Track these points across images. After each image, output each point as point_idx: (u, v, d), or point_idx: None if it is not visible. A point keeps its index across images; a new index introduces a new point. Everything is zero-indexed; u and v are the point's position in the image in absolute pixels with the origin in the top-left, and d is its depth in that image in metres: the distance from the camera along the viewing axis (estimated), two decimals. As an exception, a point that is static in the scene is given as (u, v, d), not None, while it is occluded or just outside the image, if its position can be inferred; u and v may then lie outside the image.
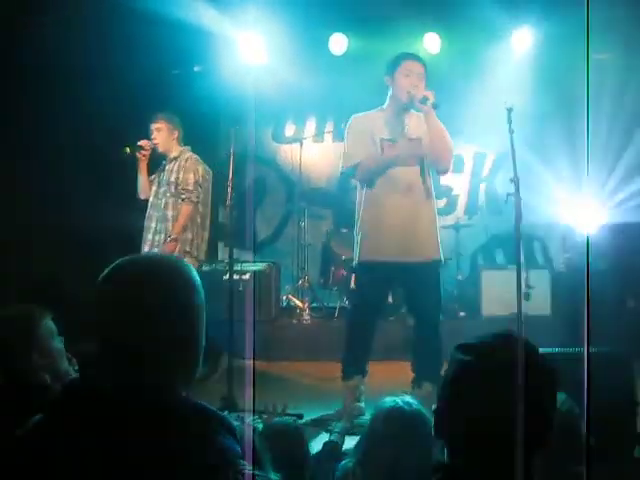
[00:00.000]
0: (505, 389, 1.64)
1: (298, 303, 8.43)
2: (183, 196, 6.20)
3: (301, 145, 9.11)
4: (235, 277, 7.22)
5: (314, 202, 9.37)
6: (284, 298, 8.68)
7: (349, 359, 5.50)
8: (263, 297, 8.12)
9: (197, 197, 6.25)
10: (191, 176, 6.24)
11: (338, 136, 9.90)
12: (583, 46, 8.61)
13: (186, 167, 6.27)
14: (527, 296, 7.39)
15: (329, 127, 9.91)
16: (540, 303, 7.96)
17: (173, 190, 6.27)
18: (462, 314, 8.41)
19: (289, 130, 9.98)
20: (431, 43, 9.15)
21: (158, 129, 6.37)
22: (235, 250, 6.68)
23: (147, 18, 7.11)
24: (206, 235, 6.50)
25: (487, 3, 8.21)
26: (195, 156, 6.41)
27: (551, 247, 9.49)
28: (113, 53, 7.47)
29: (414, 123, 5.34)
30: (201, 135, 8.98)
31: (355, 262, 5.60)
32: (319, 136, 9.89)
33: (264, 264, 8.34)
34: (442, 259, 5.49)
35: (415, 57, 5.35)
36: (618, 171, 8.66)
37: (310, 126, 9.99)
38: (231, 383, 5.41)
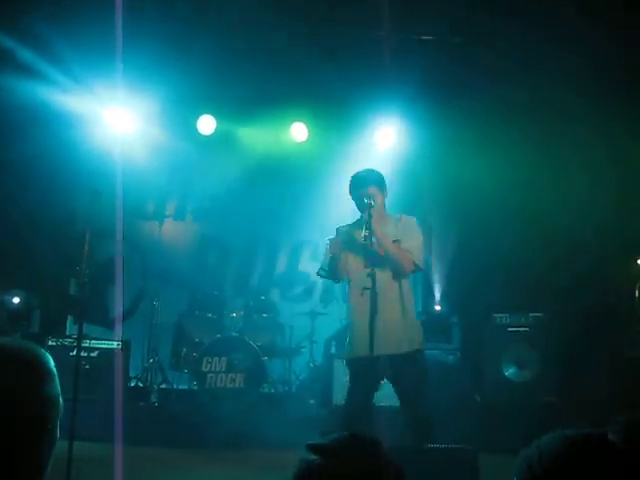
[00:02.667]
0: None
1: (147, 384, 8.17)
2: None
3: (161, 223, 9.01)
4: (83, 354, 6.98)
5: (169, 282, 9.19)
6: (133, 378, 8.38)
7: None
8: (110, 376, 7.80)
9: None
10: None
11: (199, 217, 9.87)
12: (444, 149, 9.12)
13: None
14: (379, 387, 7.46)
15: (190, 207, 9.87)
16: (391, 394, 8.02)
17: None
18: (313, 402, 8.38)
19: (150, 207, 9.81)
20: (298, 132, 9.33)
21: None
22: (85, 326, 6.42)
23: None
24: None
25: (354, 100, 8.52)
26: None
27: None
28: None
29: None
30: (60, 207, 8.81)
31: None
32: (180, 215, 9.81)
33: (114, 342, 8.03)
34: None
35: (364, 182, 5.69)
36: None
37: (172, 204, 9.86)
38: (70, 469, 4.97)
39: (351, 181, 5.78)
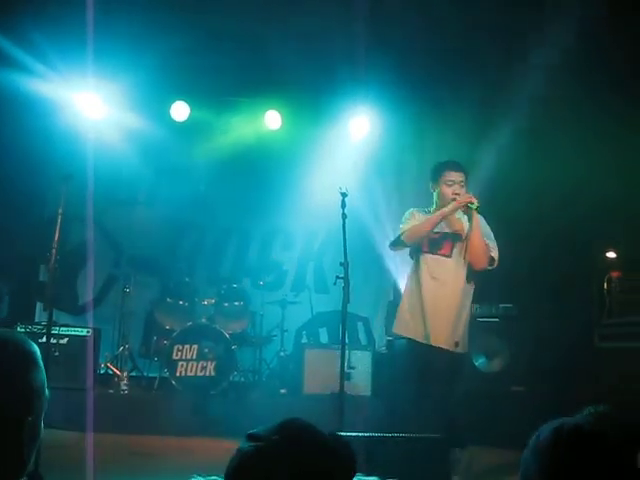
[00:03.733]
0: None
1: (116, 371, 8.13)
2: None
3: (132, 209, 8.98)
4: (52, 341, 6.92)
5: (141, 269, 9.12)
6: (102, 365, 8.33)
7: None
8: (80, 363, 7.75)
9: None
10: None
11: (171, 204, 9.80)
12: (415, 139, 9.10)
13: None
14: (348, 376, 7.47)
15: (162, 193, 9.79)
16: (361, 383, 8.07)
17: None
18: (283, 391, 8.39)
19: (122, 192, 9.67)
20: (272, 120, 9.30)
21: None
22: (54, 312, 6.36)
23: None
24: None
25: (327, 89, 8.50)
26: None
27: (375, 328, 9.70)
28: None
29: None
30: (30, 193, 8.72)
31: None
32: (151, 201, 9.72)
33: (84, 329, 7.97)
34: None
35: (455, 166, 5.68)
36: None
37: (143, 191, 9.76)
38: (39, 457, 4.87)
39: (441, 165, 5.73)
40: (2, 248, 8.24)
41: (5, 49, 7.39)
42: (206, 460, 5.93)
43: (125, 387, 7.87)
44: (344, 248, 5.38)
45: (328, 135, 9.32)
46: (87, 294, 9.30)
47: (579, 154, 7.90)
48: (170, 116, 9.13)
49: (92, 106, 8.62)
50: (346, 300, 5.30)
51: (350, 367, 7.81)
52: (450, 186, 5.57)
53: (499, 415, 7.24)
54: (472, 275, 5.61)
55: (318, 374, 8.06)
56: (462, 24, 7.69)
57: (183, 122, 9.20)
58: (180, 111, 9.15)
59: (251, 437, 1.73)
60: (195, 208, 9.78)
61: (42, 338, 6.78)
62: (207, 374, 7.93)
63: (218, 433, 7.03)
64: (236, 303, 8.64)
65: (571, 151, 7.94)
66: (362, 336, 9.71)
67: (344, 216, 5.44)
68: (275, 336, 8.96)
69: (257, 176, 9.54)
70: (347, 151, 9.35)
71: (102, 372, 8.32)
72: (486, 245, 5.54)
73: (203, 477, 1.90)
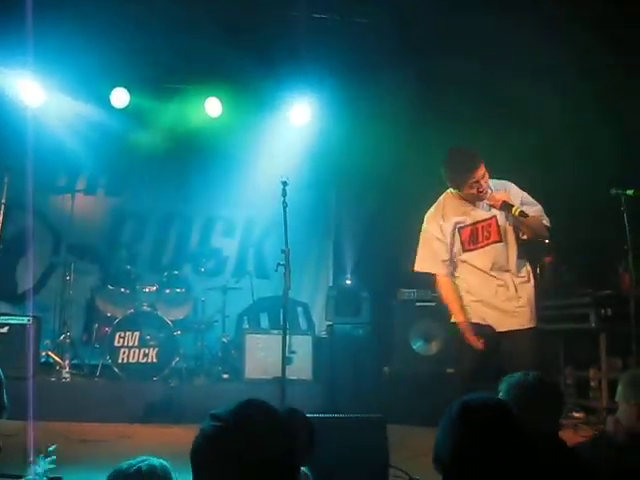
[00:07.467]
0: (258, 453, 1.77)
1: (58, 359, 8.11)
2: None
3: (73, 197, 8.92)
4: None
5: (81, 256, 9.12)
6: (43, 354, 8.29)
7: None
8: (20, 352, 7.69)
9: None
10: None
11: (111, 191, 9.77)
12: (357, 124, 9.19)
13: None
14: (290, 360, 7.59)
15: (102, 181, 9.76)
16: (302, 368, 8.19)
17: None
18: (225, 376, 8.47)
19: (61, 180, 9.61)
20: (212, 107, 9.32)
21: None
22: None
23: None
24: None
25: (268, 76, 8.56)
26: None
27: (314, 313, 9.83)
28: None
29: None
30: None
31: None
32: (91, 189, 9.68)
33: (24, 317, 7.92)
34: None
35: (474, 163, 5.03)
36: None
37: (83, 178, 9.68)
38: None
39: (461, 168, 5.06)
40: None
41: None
42: (150, 446, 6.01)
43: (67, 375, 7.86)
44: (285, 235, 5.48)
45: (269, 122, 9.41)
46: (27, 282, 9.22)
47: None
48: (110, 103, 9.08)
49: (31, 93, 8.54)
50: (287, 286, 5.40)
51: (291, 352, 7.92)
52: (473, 187, 5.04)
53: (437, 396, 7.43)
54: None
55: (259, 359, 8.14)
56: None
57: (123, 109, 9.16)
58: (120, 98, 9.10)
59: (213, 417, 1.83)
60: (135, 195, 9.78)
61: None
62: (149, 361, 7.97)
63: (161, 419, 7.11)
64: (178, 290, 8.69)
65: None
66: (302, 321, 9.84)
67: (285, 204, 5.54)
68: (217, 322, 9.02)
69: (198, 163, 9.56)
70: (288, 138, 9.43)
71: (43, 360, 8.27)
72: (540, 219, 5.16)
73: (155, 458, 1.99)
